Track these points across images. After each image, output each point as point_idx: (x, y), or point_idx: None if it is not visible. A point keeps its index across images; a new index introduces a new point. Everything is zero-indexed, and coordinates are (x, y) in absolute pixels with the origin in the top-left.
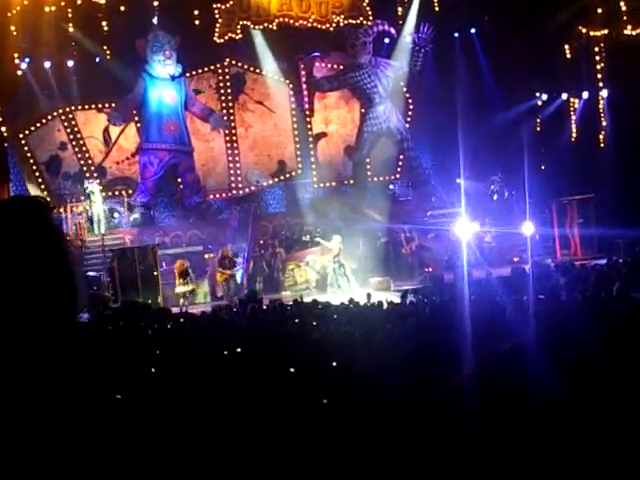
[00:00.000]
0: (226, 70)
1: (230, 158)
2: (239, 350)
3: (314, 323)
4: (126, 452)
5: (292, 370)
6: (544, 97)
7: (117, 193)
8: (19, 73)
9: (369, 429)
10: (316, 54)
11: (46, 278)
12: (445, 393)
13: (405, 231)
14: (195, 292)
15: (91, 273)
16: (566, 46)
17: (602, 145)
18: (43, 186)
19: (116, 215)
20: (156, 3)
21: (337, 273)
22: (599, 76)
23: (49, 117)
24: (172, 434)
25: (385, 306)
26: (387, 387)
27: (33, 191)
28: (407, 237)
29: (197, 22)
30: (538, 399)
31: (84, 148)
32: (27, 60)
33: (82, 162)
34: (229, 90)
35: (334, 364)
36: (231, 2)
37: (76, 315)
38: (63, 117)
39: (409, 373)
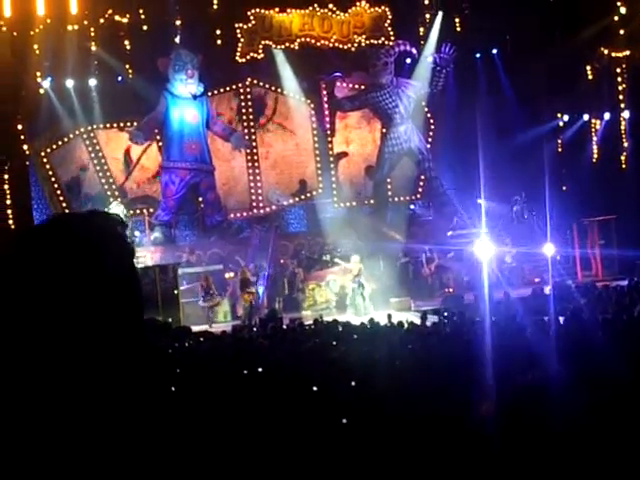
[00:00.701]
0: (247, 89)
1: (251, 177)
2: (260, 369)
3: (334, 343)
4: (147, 471)
5: (315, 389)
6: (565, 118)
7: (138, 212)
8: (41, 92)
9: (388, 449)
10: (337, 74)
11: (120, 292)
12: (467, 418)
13: (426, 251)
14: (215, 309)
15: None
16: (588, 67)
17: (623, 166)
18: (65, 204)
19: (137, 234)
20: (178, 22)
21: (355, 293)
22: (621, 97)
23: (71, 136)
24: (193, 453)
25: (405, 326)
26: (406, 408)
27: (55, 210)
28: (427, 257)
29: (219, 41)
30: (560, 424)
31: (105, 167)
32: (49, 79)
33: (104, 181)
34: (250, 110)
35: (353, 384)
36: (253, 22)
37: (143, 331)
38: (85, 136)
39: (429, 394)
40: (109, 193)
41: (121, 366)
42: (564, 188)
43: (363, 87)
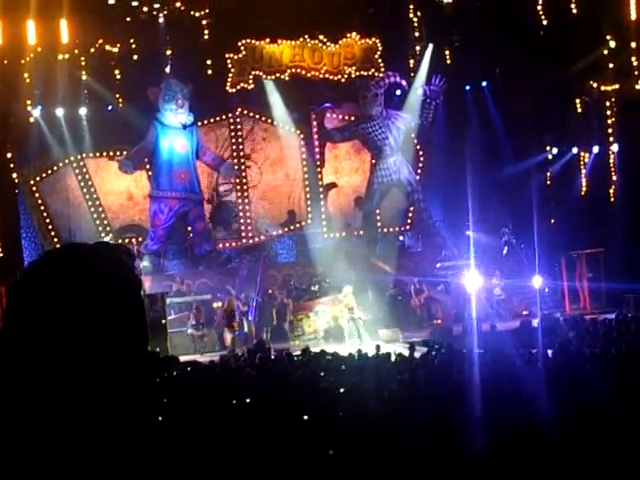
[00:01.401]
0: (238, 119)
1: (240, 207)
2: (247, 400)
3: (322, 374)
4: None
5: (305, 417)
6: (554, 151)
7: (127, 241)
8: (31, 120)
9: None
10: (327, 105)
11: (125, 324)
12: (453, 450)
13: (415, 283)
14: (205, 339)
15: None
16: (577, 100)
17: (612, 200)
18: (53, 233)
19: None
20: (169, 52)
21: (356, 323)
22: (610, 131)
23: (60, 165)
24: None
25: (393, 358)
26: (394, 439)
27: (44, 239)
28: (416, 289)
29: (210, 71)
30: (548, 454)
31: (95, 196)
32: (39, 107)
33: (92, 210)
34: (240, 140)
35: (341, 415)
36: (244, 52)
37: (147, 361)
38: (74, 165)
39: (417, 426)
40: (98, 222)
41: (122, 395)
42: (552, 221)
43: (353, 118)
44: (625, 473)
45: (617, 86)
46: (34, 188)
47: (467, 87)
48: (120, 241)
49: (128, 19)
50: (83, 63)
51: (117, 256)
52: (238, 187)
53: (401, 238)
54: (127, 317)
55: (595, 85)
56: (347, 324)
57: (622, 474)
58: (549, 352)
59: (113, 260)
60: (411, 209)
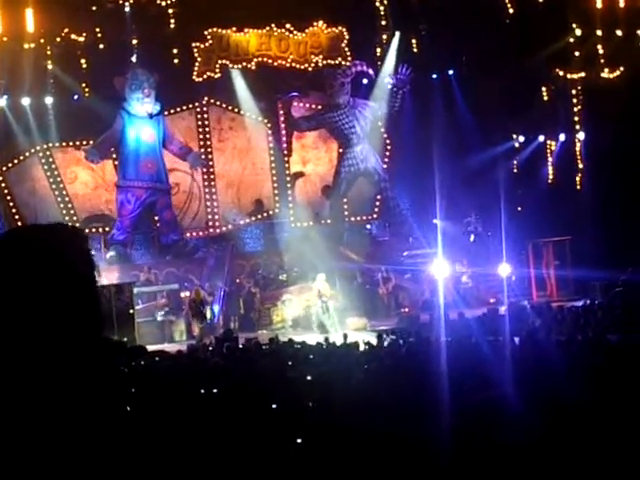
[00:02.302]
0: (204, 109)
1: (207, 196)
2: (215, 390)
3: (289, 363)
4: None
5: (274, 406)
6: (521, 139)
7: (94, 230)
8: None
9: (344, 468)
10: (294, 94)
11: (79, 301)
12: (420, 437)
13: (382, 271)
14: (172, 327)
15: None
16: (543, 88)
17: (579, 187)
18: (20, 223)
19: (92, 253)
20: (135, 41)
21: (323, 311)
22: (576, 118)
23: (27, 154)
24: (148, 473)
25: (361, 347)
26: (362, 427)
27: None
28: (384, 277)
29: (176, 60)
30: (514, 442)
31: (61, 186)
32: (5, 97)
33: (59, 199)
34: (207, 129)
35: (310, 404)
36: (210, 41)
37: (101, 335)
38: (41, 154)
39: (385, 414)
40: (64, 212)
41: (77, 379)
42: (519, 209)
43: (320, 107)
44: (593, 461)
45: (583, 74)
46: (0, 178)
47: (434, 75)
48: (87, 231)
49: (94, 8)
50: (49, 52)
51: (68, 237)
52: (205, 177)
53: (368, 227)
54: (79, 298)
55: (561, 73)
56: (319, 312)
57: (589, 462)
58: (516, 339)
59: (62, 241)
60: (378, 197)
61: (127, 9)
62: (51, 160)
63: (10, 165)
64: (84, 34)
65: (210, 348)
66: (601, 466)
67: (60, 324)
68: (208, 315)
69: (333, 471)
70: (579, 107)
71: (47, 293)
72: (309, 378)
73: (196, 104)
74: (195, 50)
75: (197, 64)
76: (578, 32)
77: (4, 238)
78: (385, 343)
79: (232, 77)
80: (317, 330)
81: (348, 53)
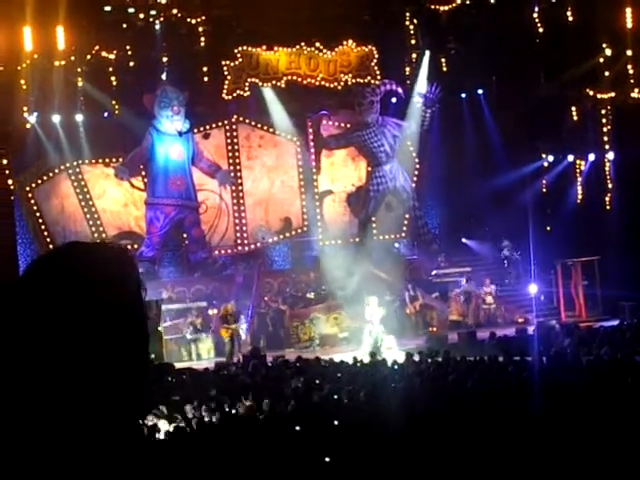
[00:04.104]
0: (234, 127)
1: (236, 214)
2: (240, 408)
3: (317, 382)
4: None
5: (297, 428)
6: (550, 158)
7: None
8: (28, 127)
9: None
10: (324, 112)
11: (123, 323)
12: (447, 456)
13: (409, 290)
14: (198, 345)
15: None
16: (573, 108)
17: (608, 207)
18: (49, 239)
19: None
20: (165, 59)
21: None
22: (605, 138)
23: (56, 171)
24: None
25: (389, 365)
26: (390, 447)
27: (39, 246)
28: (411, 296)
29: (206, 78)
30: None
31: (90, 203)
32: (36, 114)
33: (88, 217)
34: (236, 147)
35: (336, 423)
36: (240, 59)
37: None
38: (70, 171)
39: (413, 433)
40: (93, 229)
41: (123, 412)
42: (548, 228)
43: (349, 125)
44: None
45: (613, 94)
46: (30, 195)
47: (463, 95)
48: None
49: (124, 26)
50: (79, 70)
51: (117, 256)
52: (234, 194)
53: (397, 245)
54: (128, 321)
55: (591, 93)
56: (373, 335)
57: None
58: (544, 359)
59: (113, 259)
60: (407, 216)
61: (157, 27)
62: (80, 177)
63: (39, 182)
64: (114, 51)
65: (237, 366)
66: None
67: (110, 348)
68: (234, 332)
69: None
70: (609, 127)
71: (99, 314)
72: (336, 397)
73: (225, 122)
74: (225, 68)
75: (227, 82)
76: (608, 52)
77: (50, 256)
78: (412, 362)
79: (264, 95)
80: (368, 353)
81: (377, 72)
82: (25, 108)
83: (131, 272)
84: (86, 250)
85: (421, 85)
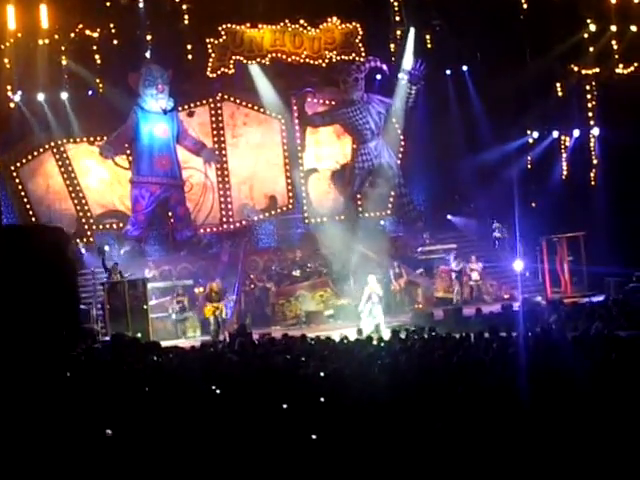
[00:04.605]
0: (218, 105)
1: (221, 192)
2: (227, 386)
3: (303, 359)
4: None
5: (285, 406)
6: (535, 135)
7: (108, 226)
8: (12, 105)
9: (357, 465)
10: (308, 89)
11: (54, 303)
12: (433, 433)
13: (394, 267)
14: (185, 324)
15: (80, 306)
16: (557, 84)
17: (593, 183)
18: (34, 219)
19: (107, 248)
20: (149, 37)
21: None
22: (590, 114)
23: (41, 150)
24: (161, 468)
25: (375, 342)
26: (376, 423)
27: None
28: (396, 273)
29: (190, 56)
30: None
31: (75, 182)
32: (20, 92)
33: (73, 195)
34: (221, 125)
35: (322, 400)
36: (224, 37)
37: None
38: (55, 150)
39: (398, 410)
40: (78, 208)
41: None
42: (533, 204)
43: (334, 103)
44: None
45: (597, 70)
46: (14, 174)
47: (448, 71)
48: (101, 227)
49: (108, 4)
50: (63, 48)
51: (53, 239)
52: (219, 172)
53: (382, 223)
54: (57, 298)
55: (575, 69)
56: (372, 313)
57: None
58: (529, 335)
59: (48, 243)
60: (392, 193)
61: (141, 5)
62: (65, 156)
63: (24, 161)
64: (98, 30)
65: (223, 344)
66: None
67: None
68: (220, 309)
69: (345, 467)
70: (593, 103)
71: (30, 290)
72: (322, 374)
73: (210, 100)
74: (209, 46)
75: (211, 60)
76: (592, 28)
77: None
78: (398, 339)
79: (250, 72)
80: (367, 331)
81: (362, 49)
82: (9, 87)
83: (63, 255)
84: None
85: (406, 62)
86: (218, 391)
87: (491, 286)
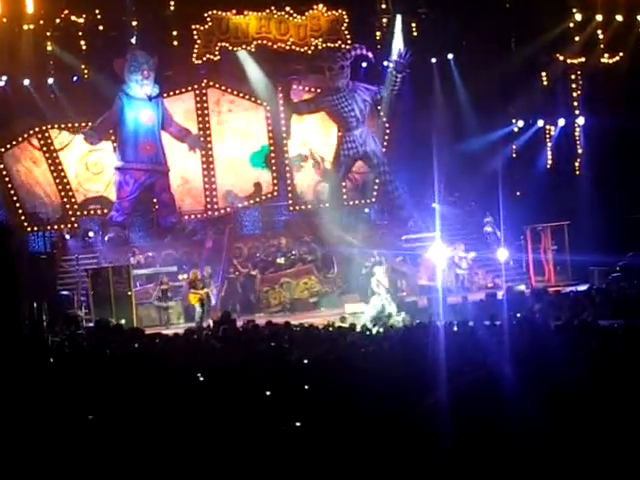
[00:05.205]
0: (204, 91)
1: (206, 179)
2: (211, 373)
3: (286, 346)
4: (97, 472)
5: (267, 393)
6: (520, 123)
7: (92, 212)
8: None
9: (340, 450)
10: (294, 77)
11: None
12: (418, 416)
13: (374, 256)
14: (168, 311)
15: (64, 292)
16: (543, 73)
17: (577, 172)
18: (18, 204)
19: (91, 234)
20: (134, 23)
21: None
22: (575, 103)
23: (25, 135)
24: (144, 455)
25: (358, 330)
26: (359, 410)
27: (8, 211)
28: (375, 262)
29: (175, 43)
30: (510, 422)
31: (60, 167)
32: (5, 78)
33: (57, 181)
34: (206, 111)
35: (307, 387)
36: (210, 23)
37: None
38: (39, 136)
39: (381, 397)
40: (62, 194)
41: None
42: (518, 193)
43: (319, 90)
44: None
45: (583, 59)
46: None
47: (433, 60)
48: (85, 213)
49: None
50: (49, 33)
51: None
52: (204, 159)
53: (367, 210)
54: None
55: (561, 58)
56: (383, 304)
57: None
58: (513, 324)
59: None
60: (377, 181)
61: None
62: (50, 142)
63: (8, 146)
64: (84, 15)
65: (207, 331)
66: (595, 446)
67: None
68: (204, 297)
69: (330, 454)
70: (579, 92)
71: None
72: (306, 361)
73: (195, 86)
74: (195, 32)
75: (197, 46)
76: (578, 17)
77: None
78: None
79: (238, 57)
80: (377, 322)
81: (348, 36)
82: None
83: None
84: None
85: (392, 50)
86: (202, 378)
87: (476, 275)
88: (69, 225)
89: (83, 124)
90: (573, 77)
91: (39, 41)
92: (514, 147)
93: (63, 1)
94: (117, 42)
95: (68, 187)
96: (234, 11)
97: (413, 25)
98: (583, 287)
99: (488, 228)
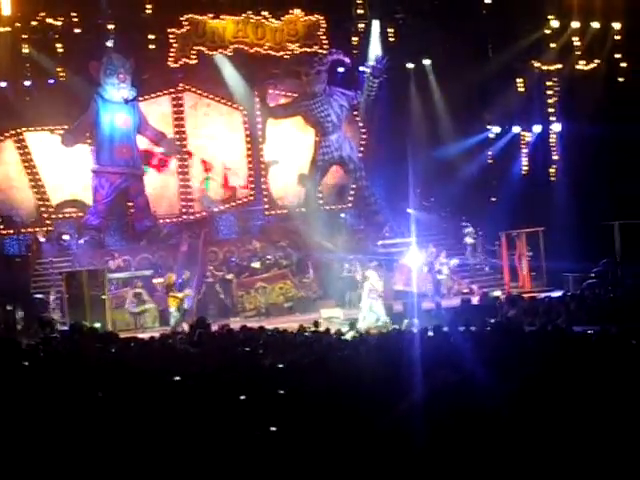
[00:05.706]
0: (180, 95)
1: (182, 183)
2: (185, 378)
3: (261, 351)
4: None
5: (242, 398)
6: (496, 130)
7: (67, 215)
8: None
9: (317, 455)
10: (270, 81)
11: None
12: (392, 420)
13: (348, 261)
14: (144, 315)
15: (38, 295)
16: (519, 80)
17: (552, 178)
18: None
19: (66, 237)
20: (111, 26)
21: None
22: (551, 110)
23: (1, 137)
24: (117, 459)
25: (333, 334)
26: (335, 413)
27: None
28: (349, 268)
29: (152, 46)
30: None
31: (35, 170)
32: None
33: (32, 184)
34: (182, 115)
35: (281, 392)
36: (187, 27)
37: None
38: (15, 138)
39: (357, 401)
40: (38, 197)
41: None
42: (493, 199)
43: (296, 95)
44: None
45: (559, 66)
46: None
47: (410, 65)
48: (60, 216)
49: None
50: (25, 36)
51: None
52: (179, 163)
53: (343, 215)
54: None
55: (537, 64)
56: (373, 308)
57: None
58: (487, 329)
59: None
60: (353, 186)
61: None
62: (25, 144)
63: None
64: (60, 18)
65: (182, 335)
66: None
67: None
68: (180, 301)
69: (305, 458)
70: (554, 99)
71: None
72: (281, 366)
73: (171, 90)
74: (171, 36)
75: (173, 50)
76: (554, 24)
77: None
78: (357, 330)
79: (216, 61)
80: (367, 325)
81: (325, 41)
82: None
83: None
84: None
85: (369, 55)
86: (177, 382)
87: (454, 281)
88: (44, 228)
89: (59, 127)
90: (549, 84)
91: (15, 43)
92: (490, 153)
93: (39, 3)
94: (93, 45)
95: (43, 190)
96: (211, 15)
97: (390, 31)
98: (558, 293)
99: (469, 239)
